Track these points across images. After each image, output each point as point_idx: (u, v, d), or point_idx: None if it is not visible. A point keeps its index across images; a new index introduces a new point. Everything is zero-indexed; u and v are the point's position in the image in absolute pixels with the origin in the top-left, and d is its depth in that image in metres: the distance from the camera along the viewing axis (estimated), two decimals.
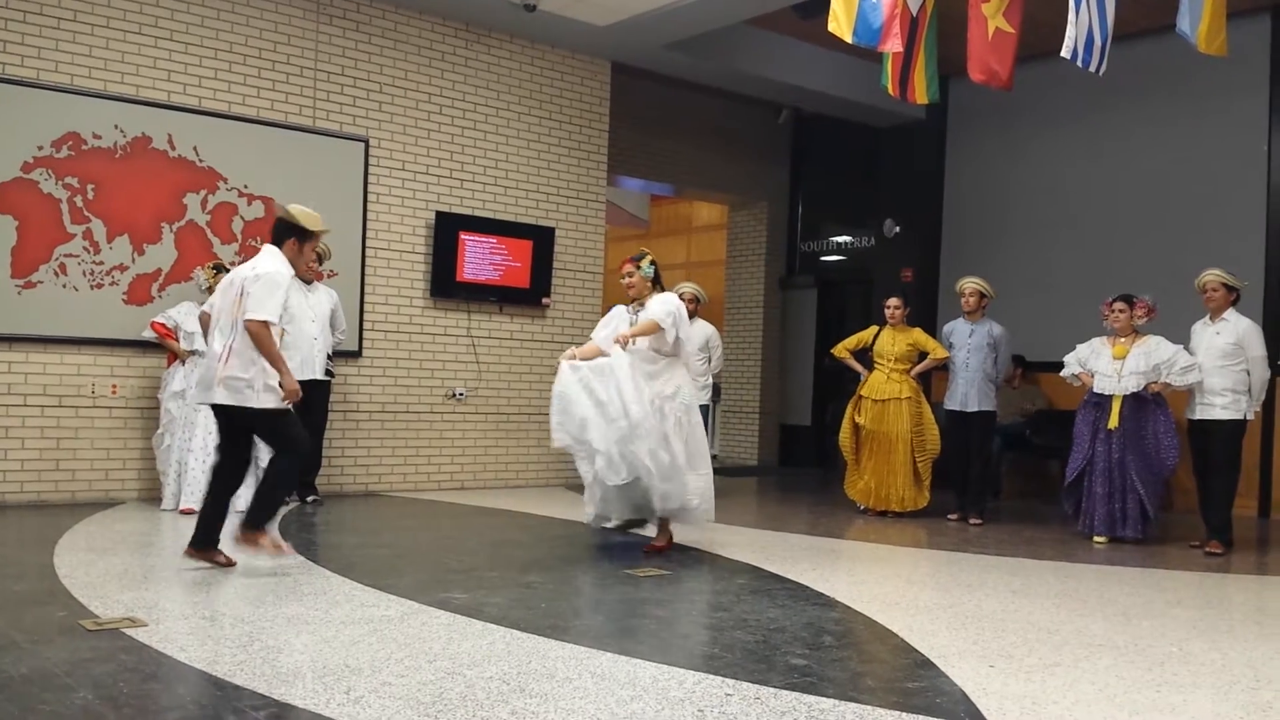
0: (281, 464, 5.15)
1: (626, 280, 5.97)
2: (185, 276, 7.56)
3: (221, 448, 5.28)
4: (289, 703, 3.13)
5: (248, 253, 7.89)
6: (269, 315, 4.94)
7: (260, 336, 4.92)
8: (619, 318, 6.00)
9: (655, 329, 5.72)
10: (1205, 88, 9.15)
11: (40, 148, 7.14)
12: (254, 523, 5.07)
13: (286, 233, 5.19)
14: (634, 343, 5.73)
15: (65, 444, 7.27)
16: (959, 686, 3.51)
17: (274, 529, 5.13)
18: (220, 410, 5.11)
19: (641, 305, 5.92)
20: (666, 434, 5.65)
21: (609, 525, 6.22)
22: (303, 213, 5.24)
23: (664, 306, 5.78)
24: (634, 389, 5.57)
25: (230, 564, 5.13)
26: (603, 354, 5.82)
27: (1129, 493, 6.91)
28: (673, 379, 5.83)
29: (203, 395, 5.13)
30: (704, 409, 8.82)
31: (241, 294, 4.97)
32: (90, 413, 7.35)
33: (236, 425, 5.14)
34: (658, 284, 6.01)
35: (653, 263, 5.99)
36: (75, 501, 7.24)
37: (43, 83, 7.17)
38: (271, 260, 5.08)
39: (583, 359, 5.81)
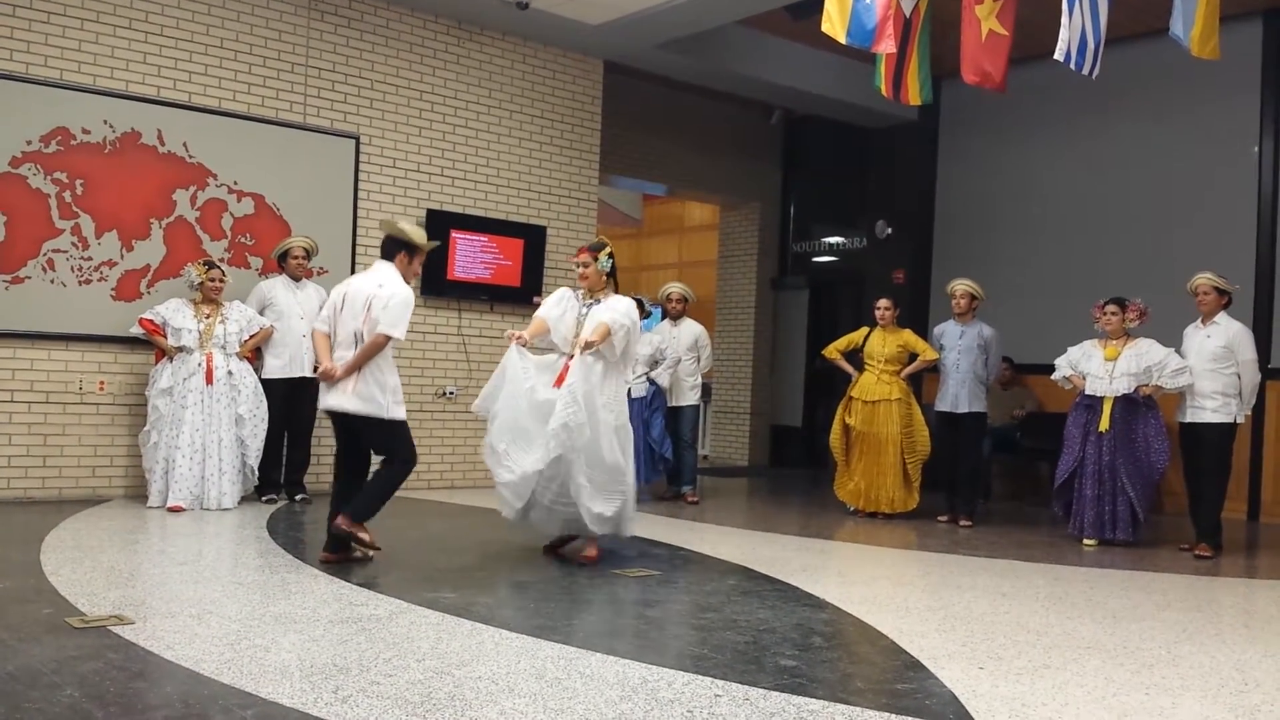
0: (398, 469, 5.39)
1: (580, 271, 5.63)
2: (174, 273, 7.52)
3: (343, 460, 5.52)
4: (276, 701, 3.12)
5: (236, 249, 7.88)
6: (400, 334, 5.25)
7: (378, 346, 5.22)
8: (568, 303, 5.67)
9: (608, 333, 5.42)
10: (1197, 91, 9.18)
11: (29, 142, 7.10)
12: (361, 515, 5.27)
13: (397, 247, 5.44)
14: (599, 351, 5.43)
15: (52, 440, 7.23)
16: (948, 688, 3.51)
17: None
18: (342, 419, 5.34)
19: (595, 300, 5.62)
20: (602, 450, 5.40)
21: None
22: (413, 229, 5.54)
23: (620, 315, 5.48)
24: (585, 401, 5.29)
25: (369, 552, 5.38)
26: (549, 333, 5.60)
27: (1119, 495, 6.93)
28: (608, 388, 5.50)
29: (332, 402, 5.30)
30: (694, 409, 8.86)
31: (369, 307, 5.24)
32: (78, 409, 7.31)
33: (355, 433, 5.39)
34: (612, 279, 5.70)
35: (610, 255, 5.67)
36: (62, 498, 7.19)
37: (32, 77, 7.12)
38: (398, 279, 5.36)
39: (531, 335, 5.54)
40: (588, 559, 5.56)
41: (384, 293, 5.26)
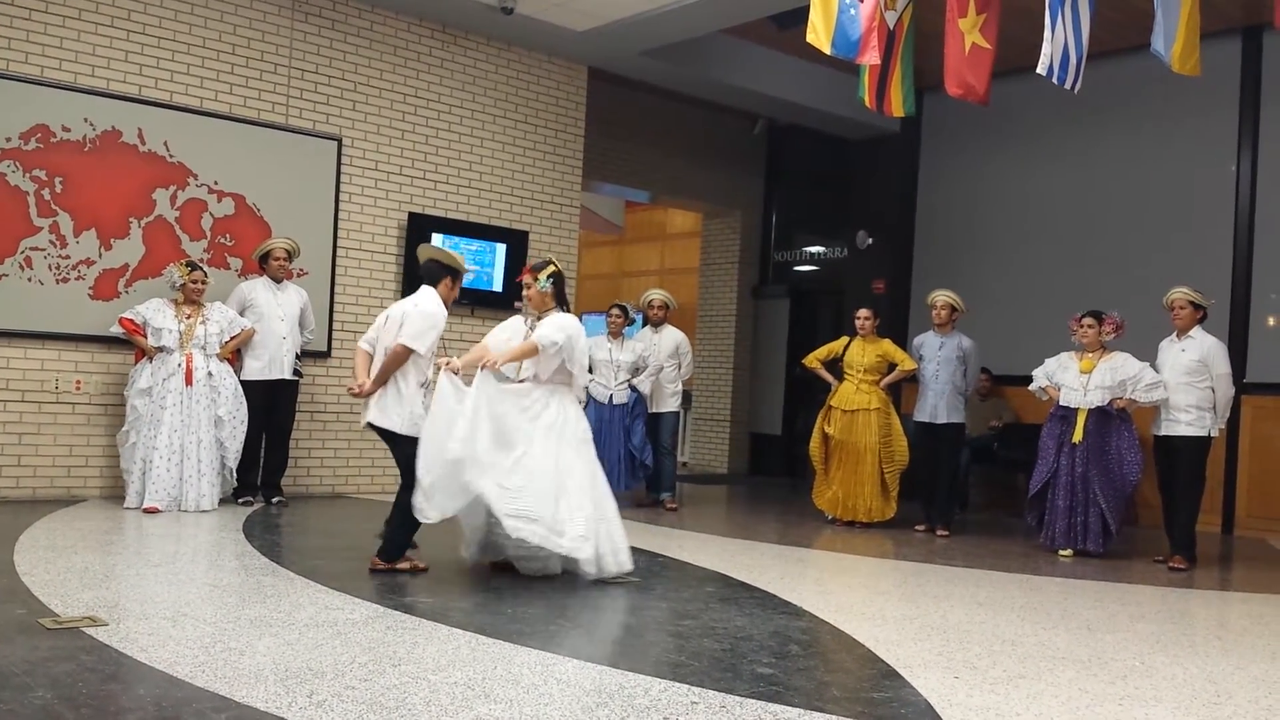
0: (409, 496, 5.26)
1: (524, 292, 5.45)
2: (153, 272, 7.48)
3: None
4: (250, 705, 3.10)
5: (216, 250, 7.84)
6: (419, 347, 5.27)
7: (399, 358, 5.26)
8: (514, 329, 5.52)
9: (532, 352, 5.18)
10: (1177, 107, 9.27)
11: (8, 139, 7.05)
12: (390, 555, 5.31)
13: (441, 273, 5.50)
14: (499, 368, 5.23)
15: (27, 440, 7.17)
16: (924, 697, 3.52)
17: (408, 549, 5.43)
18: (377, 432, 5.42)
19: (540, 319, 5.40)
20: (561, 464, 5.14)
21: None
22: (450, 254, 5.64)
23: (551, 330, 5.21)
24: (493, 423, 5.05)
25: (423, 568, 5.38)
26: (490, 357, 5.29)
27: (1090, 506, 6.96)
28: (553, 408, 5.24)
29: (365, 415, 5.45)
30: (675, 416, 8.87)
31: (402, 324, 5.32)
32: (53, 408, 7.25)
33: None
34: (561, 300, 5.45)
35: (553, 276, 5.39)
36: (36, 498, 7.14)
37: (12, 74, 7.07)
38: (433, 300, 5.42)
39: (466, 366, 5.28)
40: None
41: (415, 310, 5.34)
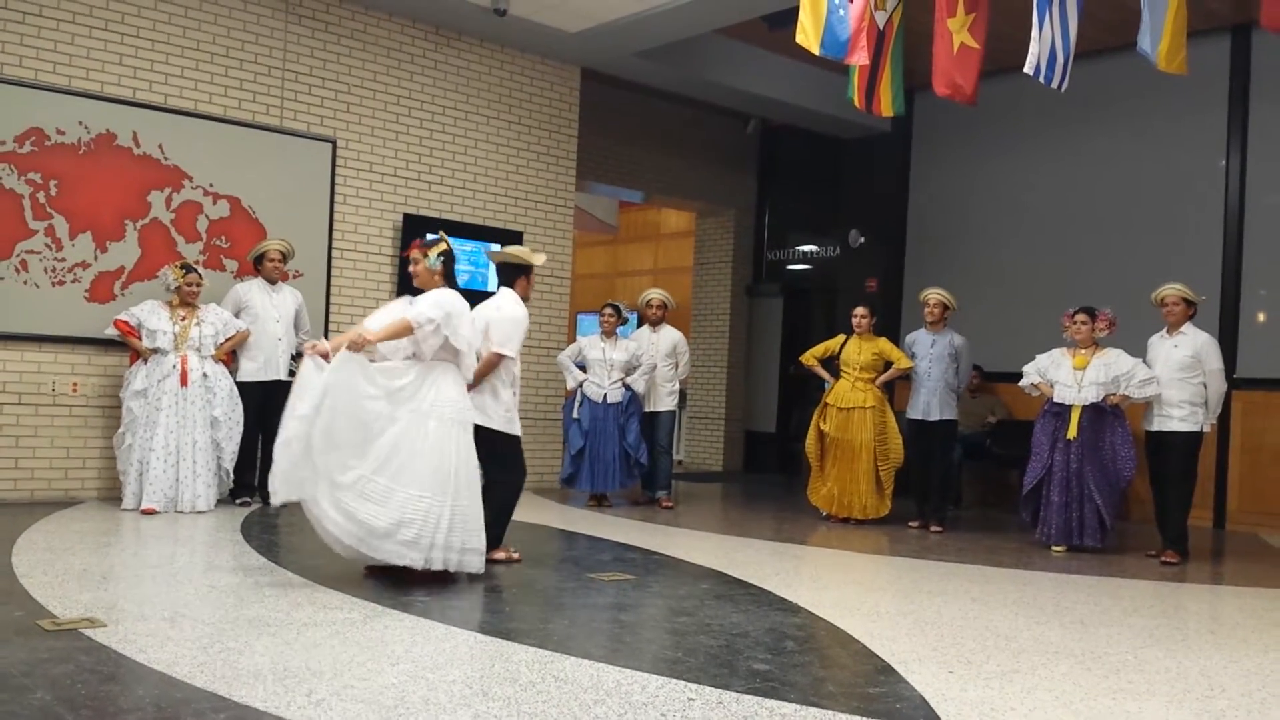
0: (501, 492, 5.58)
1: (411, 268, 5.23)
2: (148, 275, 7.49)
3: (484, 469, 5.55)
4: (249, 705, 3.12)
5: (212, 252, 7.86)
6: (511, 351, 5.55)
7: (491, 364, 5.50)
8: (400, 309, 5.12)
9: (405, 330, 4.90)
10: (1165, 105, 9.31)
11: (3, 143, 7.05)
12: (489, 543, 5.36)
13: (515, 272, 5.80)
14: (376, 349, 4.99)
15: (25, 442, 7.17)
16: (918, 692, 3.55)
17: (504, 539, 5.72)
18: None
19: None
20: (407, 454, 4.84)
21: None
22: (522, 250, 5.87)
23: (427, 307, 4.95)
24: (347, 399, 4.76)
25: (515, 559, 5.68)
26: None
27: (1086, 502, 7.00)
28: (433, 390, 4.96)
29: None
30: (671, 415, 8.89)
31: (488, 330, 5.54)
32: (50, 411, 7.26)
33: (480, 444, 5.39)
34: (449, 280, 5.25)
35: (443, 254, 5.18)
36: (34, 500, 7.14)
37: (6, 77, 7.08)
38: (513, 302, 5.69)
39: (337, 349, 4.88)
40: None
41: (498, 315, 5.57)
